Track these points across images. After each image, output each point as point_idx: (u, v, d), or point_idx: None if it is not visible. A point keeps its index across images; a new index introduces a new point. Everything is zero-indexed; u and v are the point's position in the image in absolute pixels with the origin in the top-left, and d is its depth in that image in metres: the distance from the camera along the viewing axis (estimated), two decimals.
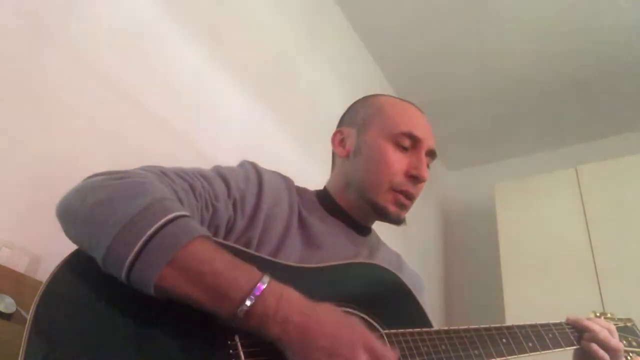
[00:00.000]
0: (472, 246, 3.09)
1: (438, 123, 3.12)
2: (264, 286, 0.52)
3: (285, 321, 0.51)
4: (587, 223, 2.33)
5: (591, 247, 2.26)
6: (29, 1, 1.05)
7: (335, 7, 2.32)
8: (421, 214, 2.98)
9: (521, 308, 2.22)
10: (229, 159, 1.51)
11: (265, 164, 1.50)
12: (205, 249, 0.53)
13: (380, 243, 0.96)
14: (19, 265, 0.88)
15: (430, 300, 2.82)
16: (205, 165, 1.46)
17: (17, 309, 0.75)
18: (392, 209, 0.82)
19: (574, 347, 0.87)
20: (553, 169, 2.66)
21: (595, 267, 2.21)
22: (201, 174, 0.70)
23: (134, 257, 0.50)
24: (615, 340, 0.86)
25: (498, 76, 2.63)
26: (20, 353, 0.45)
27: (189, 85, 1.43)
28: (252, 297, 0.51)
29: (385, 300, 0.63)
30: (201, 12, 1.53)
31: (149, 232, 0.50)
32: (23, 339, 0.46)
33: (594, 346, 0.85)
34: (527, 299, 2.24)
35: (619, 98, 2.64)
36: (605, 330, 0.87)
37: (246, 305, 0.51)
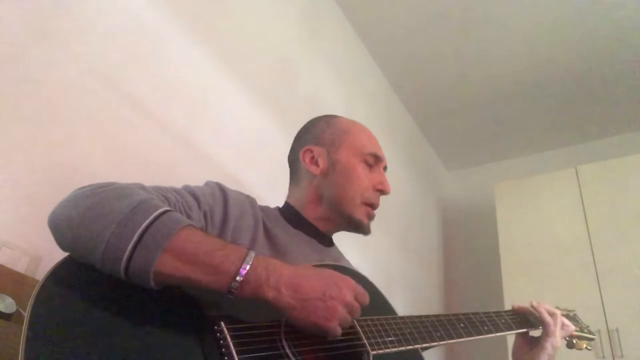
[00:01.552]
0: (472, 246, 3.09)
1: (438, 123, 3.15)
2: (252, 259, 0.59)
3: (277, 283, 0.59)
4: (587, 223, 2.33)
5: (591, 247, 2.27)
6: (29, 2, 1.05)
7: (335, 7, 2.32)
8: (421, 214, 2.98)
9: None
10: (229, 159, 1.51)
11: (265, 163, 1.51)
12: (195, 234, 0.60)
13: (342, 256, 1.03)
14: (19, 265, 0.88)
15: (430, 300, 2.82)
16: (205, 165, 1.46)
17: (17, 309, 0.75)
18: (365, 221, 0.94)
19: (525, 330, 1.00)
20: (553, 169, 2.66)
21: (595, 267, 2.21)
22: (174, 189, 0.77)
23: (132, 249, 0.54)
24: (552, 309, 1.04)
25: (498, 76, 2.63)
26: (20, 353, 0.46)
27: (188, 86, 1.43)
28: (243, 269, 0.58)
29: None
30: (201, 12, 1.53)
31: (144, 224, 0.56)
32: (21, 339, 0.47)
33: (541, 308, 1.03)
34: (527, 298, 2.23)
35: (618, 98, 2.64)
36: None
37: (240, 275, 0.57)
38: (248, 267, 0.58)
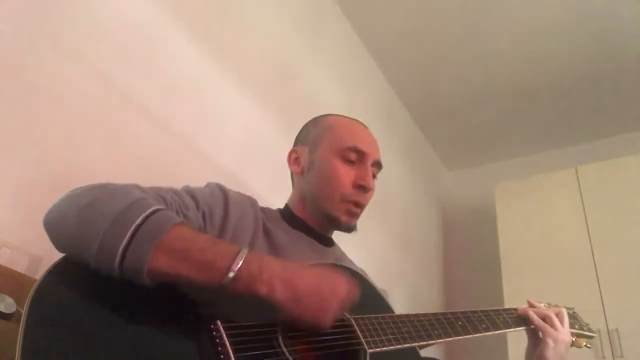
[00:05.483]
0: (472, 246, 3.09)
1: (438, 123, 3.15)
2: (245, 255, 0.59)
3: (270, 279, 0.59)
4: (587, 223, 2.33)
5: (591, 247, 2.27)
6: (28, 2, 1.05)
7: (335, 7, 2.32)
8: (421, 213, 2.98)
9: None
10: (229, 159, 1.51)
11: (265, 164, 1.51)
12: (187, 232, 0.60)
13: (345, 256, 1.01)
14: (19, 265, 0.88)
15: (430, 300, 2.82)
16: (205, 165, 1.46)
17: (17, 309, 0.74)
18: (343, 218, 0.90)
19: (523, 328, 0.98)
20: (553, 169, 2.66)
21: (595, 267, 2.21)
22: (172, 190, 0.76)
23: (125, 246, 0.55)
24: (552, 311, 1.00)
25: (498, 76, 2.63)
26: (17, 352, 0.46)
27: (188, 86, 1.43)
28: (235, 265, 0.58)
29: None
30: (201, 13, 1.53)
31: (137, 222, 0.56)
32: (18, 338, 0.47)
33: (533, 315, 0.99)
34: (527, 298, 2.24)
35: (618, 98, 2.64)
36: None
37: (232, 271, 0.57)
38: (241, 262, 0.58)
